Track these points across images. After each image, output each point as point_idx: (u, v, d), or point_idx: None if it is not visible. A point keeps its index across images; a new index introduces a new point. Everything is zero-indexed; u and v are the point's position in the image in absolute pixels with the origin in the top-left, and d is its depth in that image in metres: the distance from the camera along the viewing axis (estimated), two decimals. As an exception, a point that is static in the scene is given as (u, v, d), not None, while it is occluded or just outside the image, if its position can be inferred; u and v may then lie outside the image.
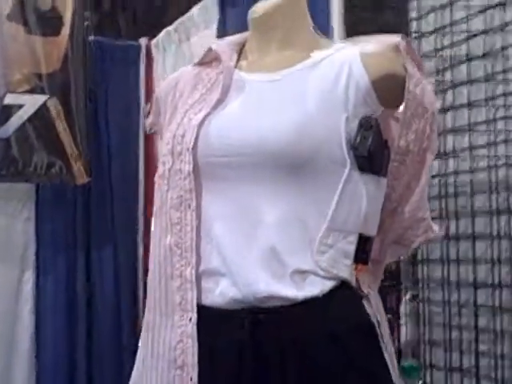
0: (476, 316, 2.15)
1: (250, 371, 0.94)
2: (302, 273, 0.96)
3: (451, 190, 2.23)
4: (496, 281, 2.12)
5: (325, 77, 1.02)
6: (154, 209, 1.08)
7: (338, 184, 0.97)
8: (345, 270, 0.99)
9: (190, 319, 0.99)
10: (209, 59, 1.14)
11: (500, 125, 2.16)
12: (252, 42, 1.13)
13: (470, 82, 2.22)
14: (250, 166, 0.99)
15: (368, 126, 0.96)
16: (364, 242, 1.00)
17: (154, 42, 3.09)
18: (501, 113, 2.15)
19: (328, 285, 0.97)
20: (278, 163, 0.97)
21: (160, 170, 1.06)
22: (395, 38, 1.03)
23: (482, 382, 2.11)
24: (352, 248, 0.99)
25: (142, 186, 2.95)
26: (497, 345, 2.12)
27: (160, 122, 1.22)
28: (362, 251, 1.00)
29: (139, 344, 1.13)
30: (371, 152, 0.96)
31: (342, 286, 0.98)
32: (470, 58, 2.23)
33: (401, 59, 1.01)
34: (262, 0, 1.14)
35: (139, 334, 3.05)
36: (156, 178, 1.07)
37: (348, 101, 1.00)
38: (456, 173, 2.24)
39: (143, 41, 3.13)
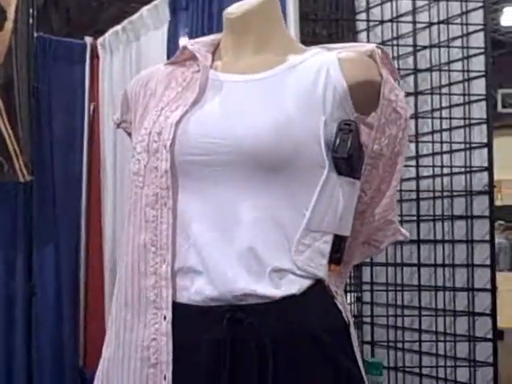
0: (419, 317, 2.22)
1: (228, 369, 0.94)
2: (280, 271, 0.97)
3: (397, 196, 2.31)
4: (439, 283, 2.20)
5: (303, 80, 1.03)
6: (128, 206, 1.07)
7: (317, 185, 0.99)
8: (321, 269, 1.00)
9: (165, 317, 0.99)
10: (182, 58, 1.14)
11: (444, 136, 2.25)
12: (227, 43, 1.13)
13: (416, 93, 2.30)
14: (229, 165, 0.99)
15: (347, 129, 0.99)
16: (338, 243, 1.02)
17: (100, 40, 3.04)
18: (445, 124, 2.25)
19: (305, 284, 0.99)
20: (257, 163, 0.98)
21: (135, 167, 1.05)
22: (370, 46, 1.06)
23: (425, 378, 2.19)
24: (328, 248, 1.01)
25: (85, 184, 2.91)
26: (438, 347, 2.20)
27: (128, 119, 1.21)
28: (336, 251, 1.02)
29: (105, 343, 1.10)
30: (350, 155, 0.98)
31: (317, 284, 1.00)
32: (416, 71, 2.32)
33: (376, 66, 1.04)
34: (238, 1, 1.14)
35: (79, 336, 2.96)
36: (130, 175, 1.07)
37: (325, 104, 1.02)
38: (401, 180, 2.32)
39: (88, 39, 3.08)
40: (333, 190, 1.00)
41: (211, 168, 1.00)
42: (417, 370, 2.22)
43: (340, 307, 1.03)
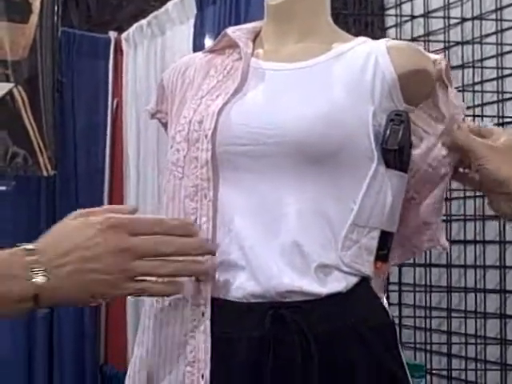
0: (449, 319, 2.18)
1: (270, 368, 0.90)
2: (326, 267, 0.94)
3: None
4: (469, 285, 2.16)
5: (351, 67, 0.99)
6: (165, 198, 1.04)
7: (364, 178, 0.95)
8: (367, 266, 0.97)
9: (203, 313, 0.95)
10: (222, 46, 1.11)
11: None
12: (268, 31, 1.09)
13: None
14: (273, 155, 0.95)
15: (399, 120, 0.95)
16: (385, 239, 0.98)
17: (124, 35, 3.02)
18: (478, 122, 2.20)
19: (351, 281, 0.95)
20: (301, 154, 0.94)
21: (173, 157, 1.02)
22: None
23: (454, 381, 2.14)
24: (375, 244, 0.97)
25: (108, 179, 2.89)
26: (467, 350, 2.15)
27: (163, 109, 1.18)
28: (382, 248, 0.98)
29: (138, 340, 1.06)
30: (401, 147, 0.94)
31: (362, 282, 0.97)
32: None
33: (426, 56, 1.01)
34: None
35: (100, 332, 2.94)
36: (168, 166, 1.03)
37: (374, 92, 0.97)
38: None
39: (112, 34, 3.06)
40: (381, 183, 0.96)
41: (254, 159, 0.96)
42: (445, 373, 2.17)
43: (385, 306, 0.99)
